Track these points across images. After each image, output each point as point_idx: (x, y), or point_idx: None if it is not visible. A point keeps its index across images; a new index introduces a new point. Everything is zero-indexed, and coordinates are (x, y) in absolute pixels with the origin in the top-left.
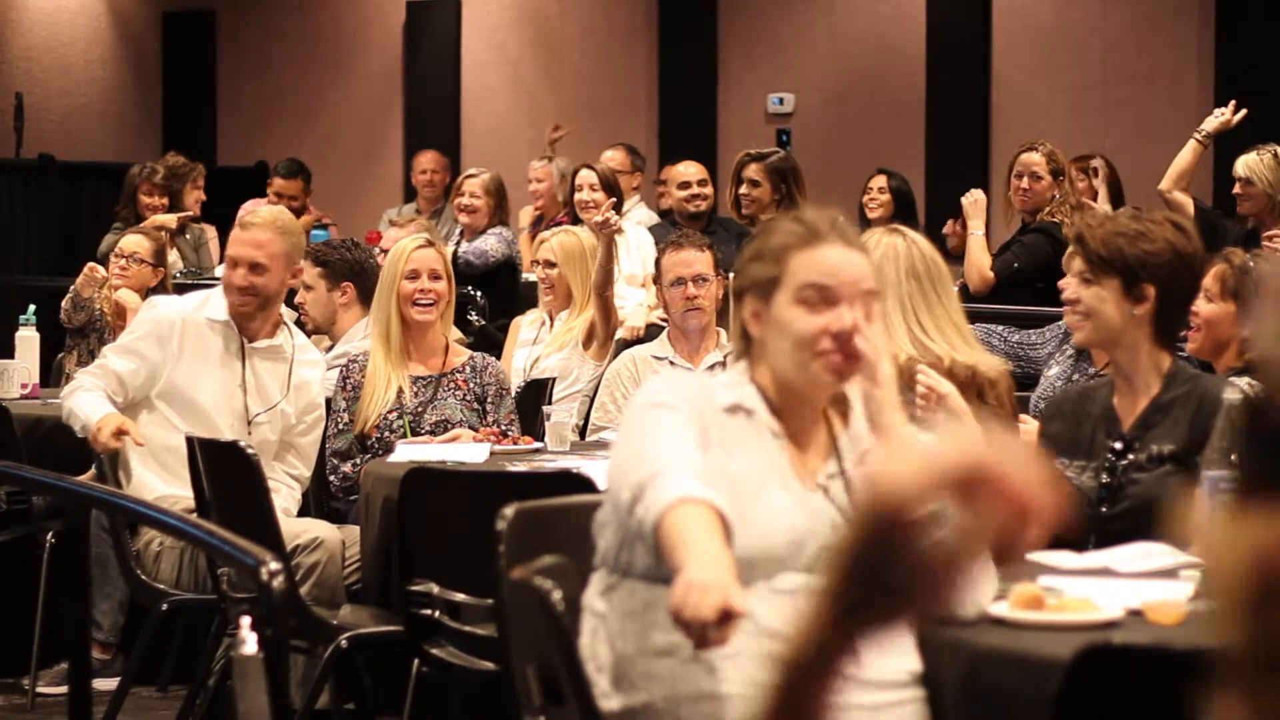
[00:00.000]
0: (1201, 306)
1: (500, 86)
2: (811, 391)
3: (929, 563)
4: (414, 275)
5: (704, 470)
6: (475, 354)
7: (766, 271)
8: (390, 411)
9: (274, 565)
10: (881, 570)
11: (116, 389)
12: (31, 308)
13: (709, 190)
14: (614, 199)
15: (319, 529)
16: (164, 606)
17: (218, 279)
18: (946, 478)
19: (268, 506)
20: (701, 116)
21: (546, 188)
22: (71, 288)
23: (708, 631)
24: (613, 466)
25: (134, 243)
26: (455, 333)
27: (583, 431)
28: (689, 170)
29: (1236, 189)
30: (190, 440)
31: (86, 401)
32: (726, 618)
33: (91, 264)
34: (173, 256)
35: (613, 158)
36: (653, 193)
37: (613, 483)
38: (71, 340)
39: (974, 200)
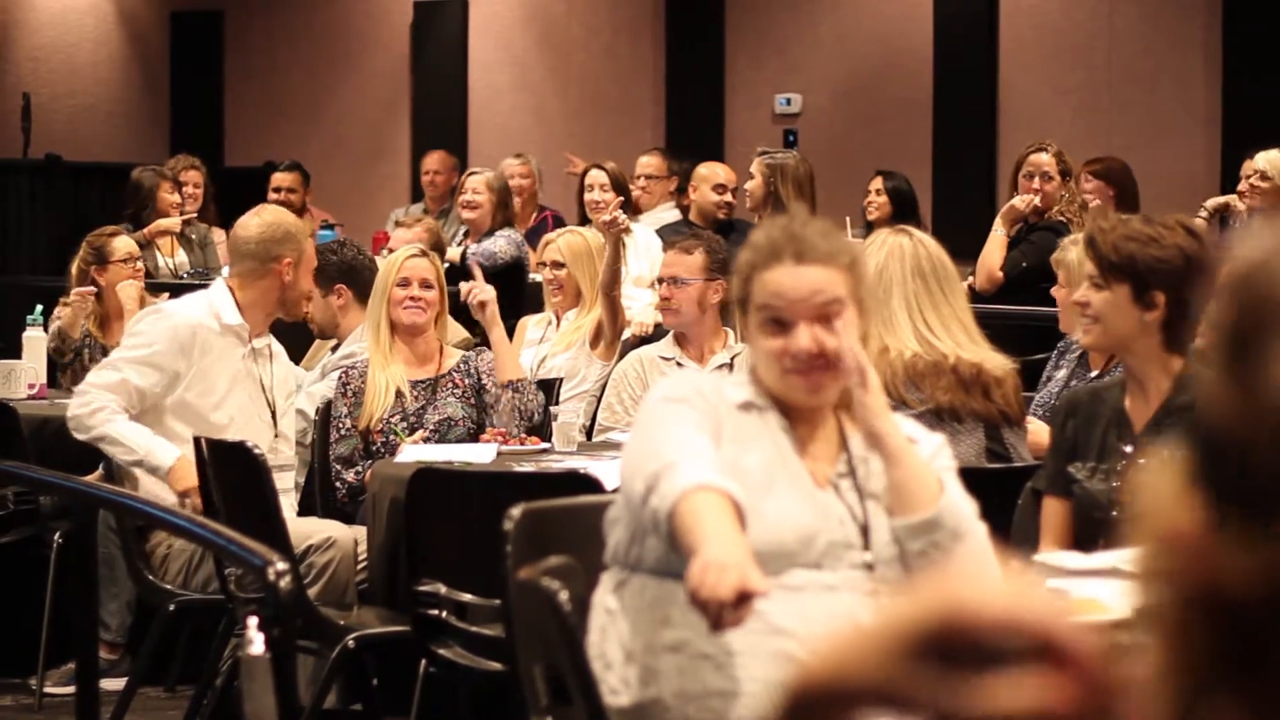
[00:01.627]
0: None
1: (507, 87)
2: (797, 402)
3: None
4: (405, 283)
5: (718, 463)
6: (467, 352)
7: (738, 290)
8: (393, 416)
9: (281, 565)
10: None
11: (135, 404)
12: (39, 308)
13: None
14: (621, 198)
15: (332, 529)
16: (171, 607)
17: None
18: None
19: (276, 507)
20: (709, 117)
21: (529, 185)
22: (55, 328)
23: (725, 612)
24: (626, 460)
25: (132, 244)
26: (462, 332)
27: (589, 432)
28: (723, 173)
29: (1254, 181)
30: (198, 441)
31: (138, 433)
32: (744, 598)
33: (79, 290)
34: (180, 257)
35: (649, 163)
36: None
37: (626, 476)
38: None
39: (1027, 202)
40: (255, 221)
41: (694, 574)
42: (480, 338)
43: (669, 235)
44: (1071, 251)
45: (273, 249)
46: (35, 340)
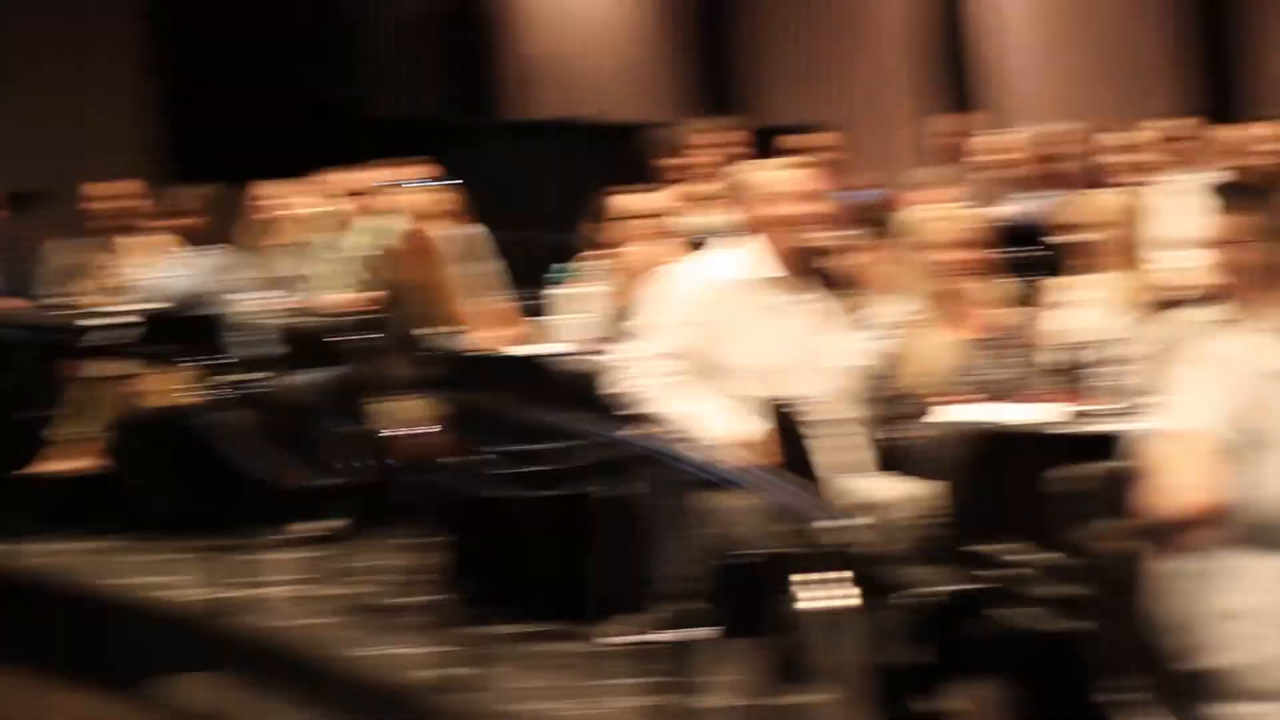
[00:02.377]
0: None
1: (1027, 47)
2: None
3: None
4: (946, 245)
5: (1224, 420)
6: (1018, 312)
7: None
8: (941, 373)
9: (843, 521)
10: None
11: (679, 368)
12: (565, 265)
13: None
14: (1146, 159)
15: (894, 486)
16: (731, 560)
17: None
18: None
19: (832, 463)
20: (1241, 77)
21: (1078, 149)
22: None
23: (1173, 532)
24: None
25: (650, 203)
26: (1007, 293)
27: (1135, 394)
28: (1260, 133)
29: None
30: (755, 400)
31: (700, 409)
32: (1192, 520)
33: (598, 254)
34: (710, 217)
35: (1178, 125)
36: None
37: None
38: None
39: None
40: None
41: (1143, 498)
42: (1024, 300)
43: (1213, 195)
44: None
45: (738, 199)
46: (569, 297)
